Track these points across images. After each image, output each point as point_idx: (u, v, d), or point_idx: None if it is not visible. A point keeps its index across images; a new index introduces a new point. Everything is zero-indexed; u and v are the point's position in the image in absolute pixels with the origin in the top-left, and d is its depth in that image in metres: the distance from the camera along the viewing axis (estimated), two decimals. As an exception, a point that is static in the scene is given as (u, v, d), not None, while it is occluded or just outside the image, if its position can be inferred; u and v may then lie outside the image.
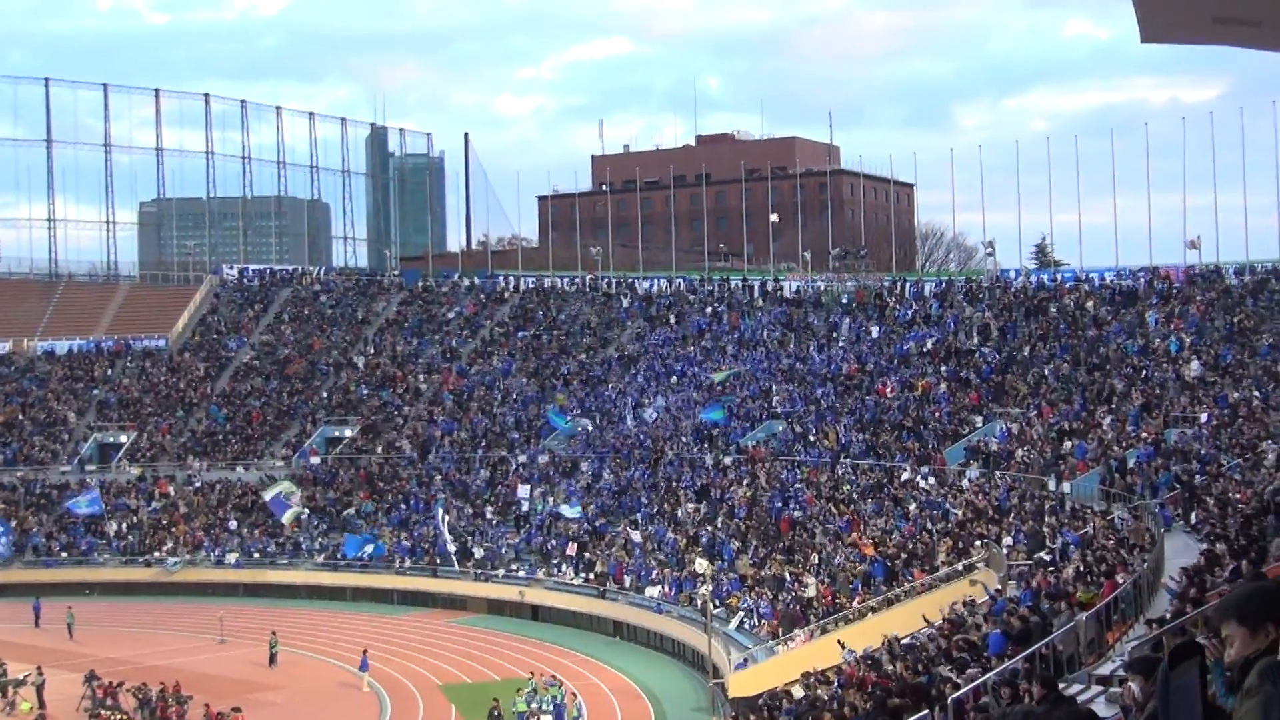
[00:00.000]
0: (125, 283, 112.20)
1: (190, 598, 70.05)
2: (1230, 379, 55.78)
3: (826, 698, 30.95)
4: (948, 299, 76.72)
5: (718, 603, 51.03)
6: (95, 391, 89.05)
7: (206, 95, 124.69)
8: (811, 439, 65.61)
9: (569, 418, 76.06)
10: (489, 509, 71.05)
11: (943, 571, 46.38)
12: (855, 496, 57.55)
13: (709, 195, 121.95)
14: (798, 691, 34.91)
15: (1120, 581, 28.98)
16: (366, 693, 50.21)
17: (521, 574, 65.29)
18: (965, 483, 54.92)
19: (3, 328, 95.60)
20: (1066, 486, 50.32)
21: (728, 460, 66.48)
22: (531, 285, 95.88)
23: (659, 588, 57.75)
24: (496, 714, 42.69)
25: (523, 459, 74.52)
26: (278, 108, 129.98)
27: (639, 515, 64.75)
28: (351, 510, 74.23)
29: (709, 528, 60.26)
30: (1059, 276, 76.91)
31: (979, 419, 61.66)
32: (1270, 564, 22.29)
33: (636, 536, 62.03)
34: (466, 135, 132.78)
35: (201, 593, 70.61)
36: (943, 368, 67.82)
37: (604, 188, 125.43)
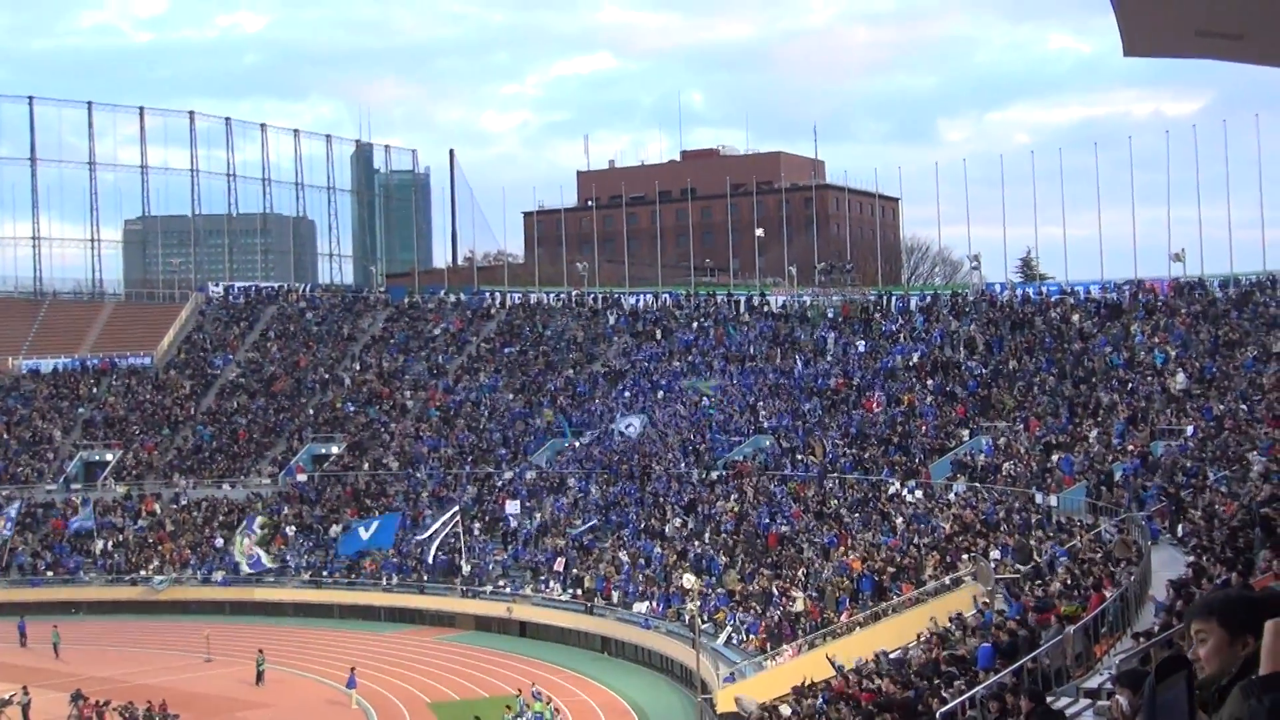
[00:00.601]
0: (110, 301, 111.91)
1: (177, 616, 69.84)
2: (1215, 391, 55.88)
3: (815, 714, 30.92)
4: (933, 313, 76.81)
5: (705, 618, 50.97)
6: (81, 410, 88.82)
7: (191, 113, 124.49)
8: (799, 454, 65.61)
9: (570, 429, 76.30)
10: (476, 525, 70.92)
11: (930, 585, 46.38)
12: (842, 511, 57.54)
13: (695, 210, 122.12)
14: (785, 710, 34.81)
15: (1107, 595, 29.01)
16: (354, 710, 50.10)
17: (507, 590, 65.17)
18: (952, 496, 54.95)
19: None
20: (1054, 500, 50.37)
21: (715, 475, 66.47)
22: (517, 301, 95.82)
23: (647, 603, 57.68)
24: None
25: (509, 475, 74.43)
26: (262, 125, 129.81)
27: (626, 531, 64.71)
28: (338, 527, 74.00)
29: (696, 543, 60.23)
30: (1044, 290, 77.03)
31: (965, 433, 61.72)
32: (1257, 576, 22.32)
33: (625, 558, 61.94)
34: (452, 151, 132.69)
35: (188, 611, 70.39)
36: (929, 382, 67.88)
37: (590, 203, 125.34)
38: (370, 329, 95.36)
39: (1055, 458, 54.17)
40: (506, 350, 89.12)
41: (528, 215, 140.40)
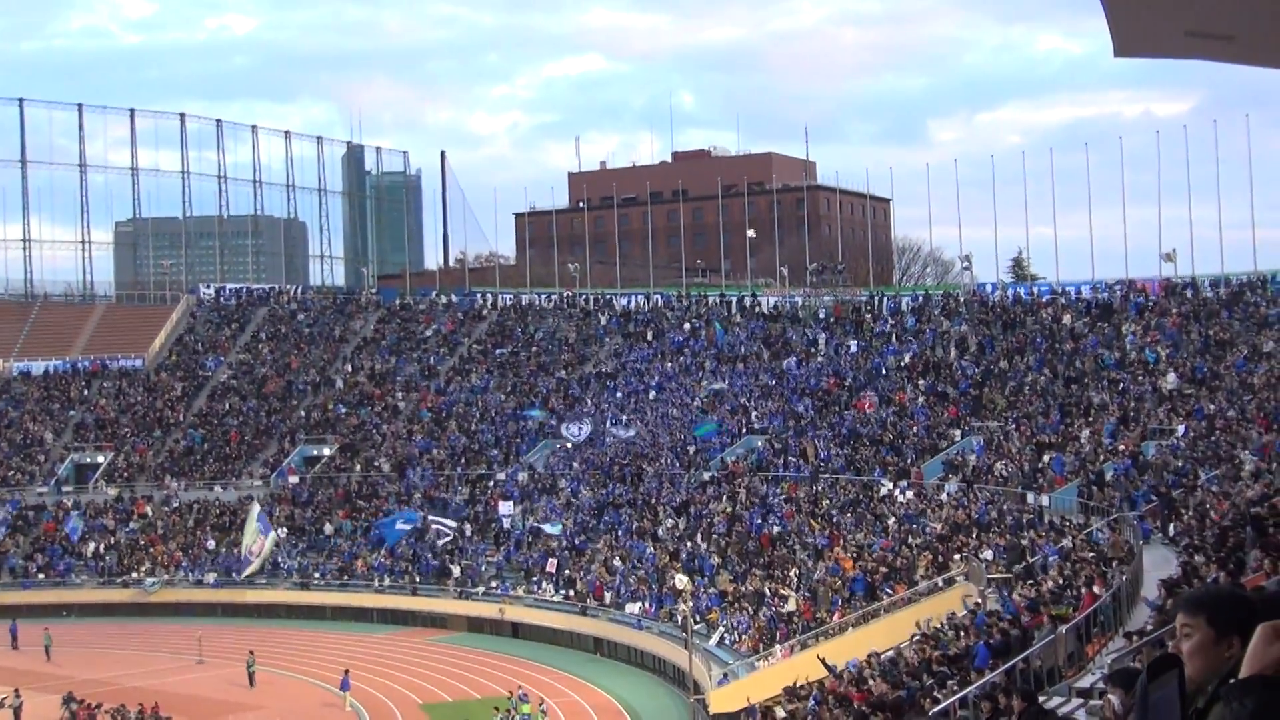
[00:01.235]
0: (101, 303, 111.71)
1: (168, 618, 69.74)
2: (1206, 391, 55.96)
3: (808, 715, 30.94)
4: (925, 313, 76.88)
5: (698, 619, 50.97)
6: (72, 412, 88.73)
7: (182, 115, 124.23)
8: (791, 455, 65.64)
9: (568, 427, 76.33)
10: (468, 526, 70.91)
11: (922, 586, 46.40)
12: (834, 511, 57.57)
13: (686, 211, 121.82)
14: (780, 712, 34.82)
15: (1099, 594, 29.05)
16: (348, 712, 50.06)
17: (498, 591, 65.15)
18: (944, 496, 55.00)
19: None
20: (1045, 500, 50.42)
21: (707, 476, 66.48)
22: (509, 302, 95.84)
23: (639, 604, 57.68)
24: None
25: (502, 476, 74.42)
26: (253, 127, 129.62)
27: (619, 532, 64.72)
28: (330, 529, 73.97)
29: (689, 544, 60.23)
30: (1035, 290, 77.16)
31: (957, 433, 61.77)
32: (1249, 575, 22.35)
33: (618, 561, 61.92)
34: (443, 153, 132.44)
35: (180, 613, 70.31)
36: (920, 382, 67.94)
37: (581, 205, 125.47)
38: (362, 330, 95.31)
39: (1047, 458, 54.24)
40: (498, 351, 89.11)
41: (519, 216, 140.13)
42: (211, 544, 74.35)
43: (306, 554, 72.72)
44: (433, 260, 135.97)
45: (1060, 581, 33.05)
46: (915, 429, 63.42)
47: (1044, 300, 73.35)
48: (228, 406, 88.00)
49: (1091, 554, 35.76)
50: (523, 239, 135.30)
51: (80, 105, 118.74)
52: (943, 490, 55.95)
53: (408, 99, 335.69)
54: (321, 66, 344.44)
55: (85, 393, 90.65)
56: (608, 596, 59.87)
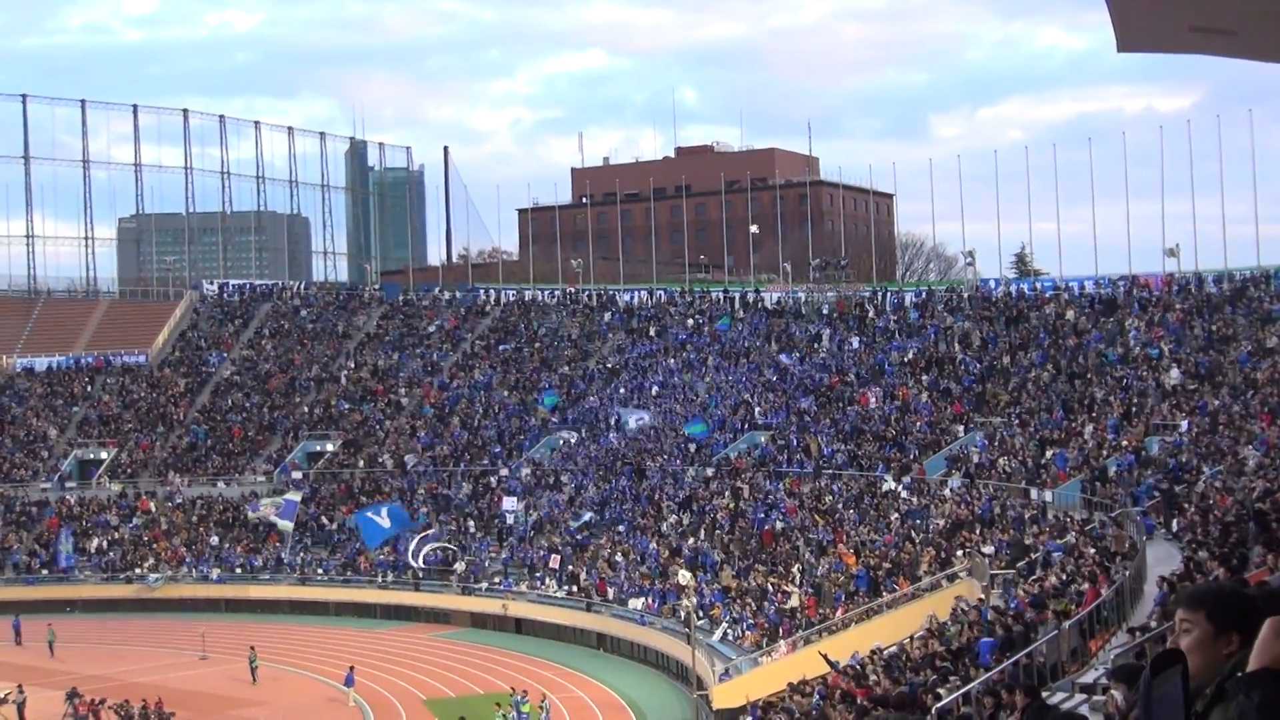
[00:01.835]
0: (105, 299, 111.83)
1: (172, 614, 69.82)
2: (1210, 386, 55.90)
3: (811, 710, 30.95)
4: (928, 309, 76.82)
5: (701, 614, 50.98)
6: (75, 408, 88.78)
7: (185, 111, 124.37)
8: (794, 451, 65.62)
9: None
10: (471, 522, 70.94)
11: (925, 581, 46.40)
12: (838, 507, 57.56)
13: (689, 207, 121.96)
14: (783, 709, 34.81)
15: (1102, 590, 29.04)
16: (351, 708, 50.07)
17: (501, 586, 65.16)
18: (947, 492, 54.97)
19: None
20: (1048, 495, 50.39)
21: (710, 472, 66.48)
22: (512, 298, 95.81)
23: (642, 600, 57.69)
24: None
25: (505, 472, 74.44)
26: (256, 123, 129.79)
27: (622, 528, 64.75)
28: (333, 525, 74.03)
29: (692, 539, 60.24)
30: (1039, 285, 77.05)
31: (960, 429, 61.73)
32: (1252, 570, 22.34)
33: (620, 558, 61.93)
34: (446, 149, 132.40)
35: (183, 609, 70.39)
36: (924, 378, 67.91)
37: (584, 200, 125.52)
38: (365, 326, 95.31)
39: (1050, 453, 54.19)
40: (501, 347, 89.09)
41: (522, 212, 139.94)
42: (215, 540, 74.41)
43: (310, 549, 72.76)
44: (436, 256, 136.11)
45: (1063, 577, 33.04)
46: (918, 425, 63.39)
47: (1047, 296, 73.25)
48: (231, 402, 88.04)
49: (1094, 549, 35.74)
50: (526, 235, 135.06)
51: (83, 101, 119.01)
52: (946, 486, 55.93)
53: (409, 94, 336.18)
54: (323, 62, 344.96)
55: (89, 389, 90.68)
56: (611, 592, 59.89)
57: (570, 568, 63.20)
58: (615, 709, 48.93)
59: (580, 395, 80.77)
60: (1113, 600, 28.22)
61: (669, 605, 55.32)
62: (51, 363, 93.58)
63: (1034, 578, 36.57)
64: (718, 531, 59.89)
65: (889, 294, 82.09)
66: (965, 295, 77.58)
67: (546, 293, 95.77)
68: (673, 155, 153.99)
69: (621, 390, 79.14)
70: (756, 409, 71.34)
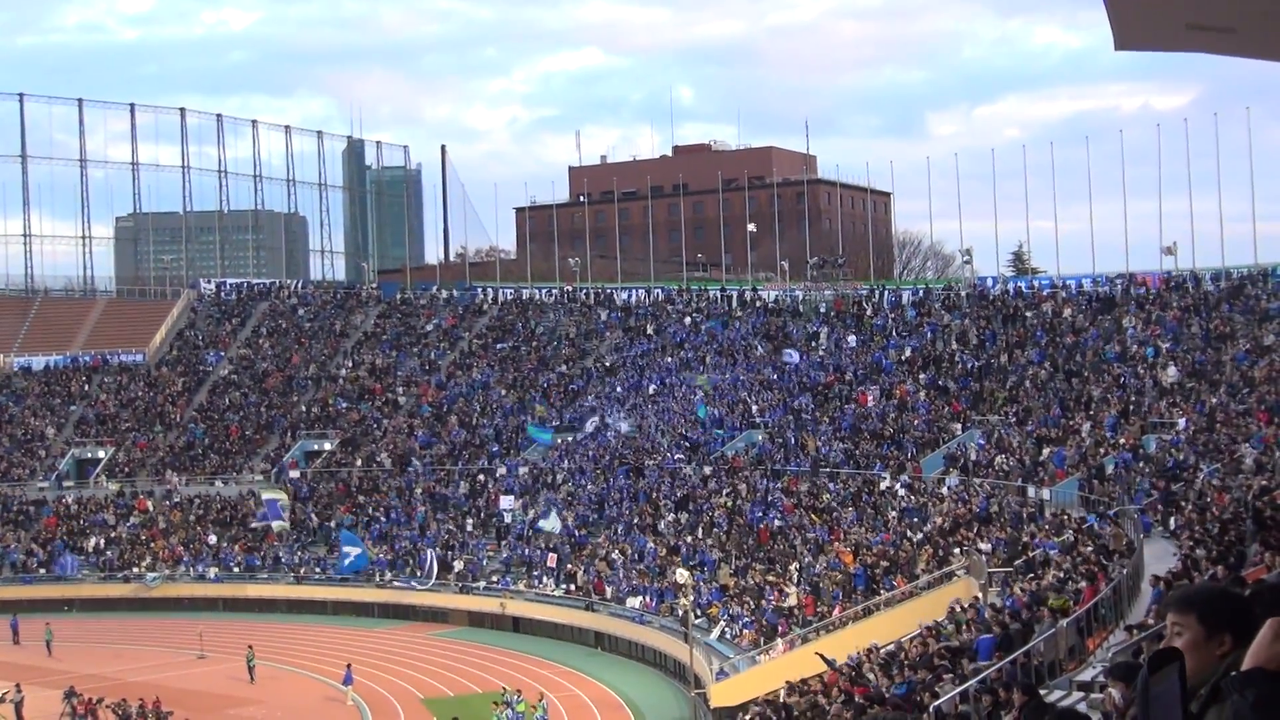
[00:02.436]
0: (102, 297, 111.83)
1: (169, 613, 69.80)
2: (1207, 384, 55.93)
3: (806, 709, 30.96)
4: (925, 307, 76.86)
5: (699, 613, 50.99)
6: (73, 407, 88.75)
7: (182, 110, 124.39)
8: (791, 449, 65.63)
9: (550, 430, 76.16)
10: (469, 521, 70.95)
11: (923, 579, 46.40)
12: (835, 506, 57.58)
13: (686, 205, 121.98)
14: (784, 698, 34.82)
15: (1100, 588, 29.04)
16: (349, 706, 50.06)
17: (499, 585, 65.13)
18: (944, 490, 54.99)
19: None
20: (1046, 493, 50.41)
21: (708, 470, 66.49)
22: (510, 297, 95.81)
23: (640, 598, 57.69)
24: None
25: (502, 471, 74.42)
26: (253, 122, 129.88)
27: (619, 527, 64.75)
28: (331, 524, 74.02)
29: (689, 538, 60.25)
30: (1036, 284, 77.11)
31: (958, 427, 61.76)
32: (1249, 568, 22.35)
33: (617, 556, 61.92)
34: (443, 148, 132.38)
35: (181, 608, 70.36)
36: (921, 376, 67.93)
37: (581, 199, 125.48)
38: (362, 325, 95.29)
39: (1047, 451, 54.22)
40: (499, 346, 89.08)
41: (519, 211, 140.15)
42: (213, 539, 74.38)
43: (308, 548, 72.75)
44: (433, 255, 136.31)
45: (1060, 575, 33.05)
46: (916, 423, 63.41)
47: (1044, 294, 73.29)
48: (228, 401, 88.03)
49: (1091, 547, 35.76)
50: (523, 233, 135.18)
51: (80, 100, 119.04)
52: (943, 484, 55.95)
53: (406, 93, 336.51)
54: (319, 61, 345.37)
55: (86, 388, 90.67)
56: (608, 591, 59.90)
57: (569, 566, 63.17)
58: (613, 707, 48.93)
59: (578, 393, 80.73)
60: (1110, 598, 28.22)
61: (667, 604, 55.32)
62: (49, 362, 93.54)
63: (1031, 576, 36.58)
64: (715, 530, 59.90)
65: (886, 292, 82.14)
66: (963, 293, 77.62)
67: (544, 291, 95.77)
68: (670, 154, 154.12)
69: (619, 389, 79.11)
70: (754, 407, 71.35)
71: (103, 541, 75.52)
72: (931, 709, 22.68)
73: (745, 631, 49.40)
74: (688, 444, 69.92)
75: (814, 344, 77.10)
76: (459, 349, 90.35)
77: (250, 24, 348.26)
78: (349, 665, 52.06)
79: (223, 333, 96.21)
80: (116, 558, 74.29)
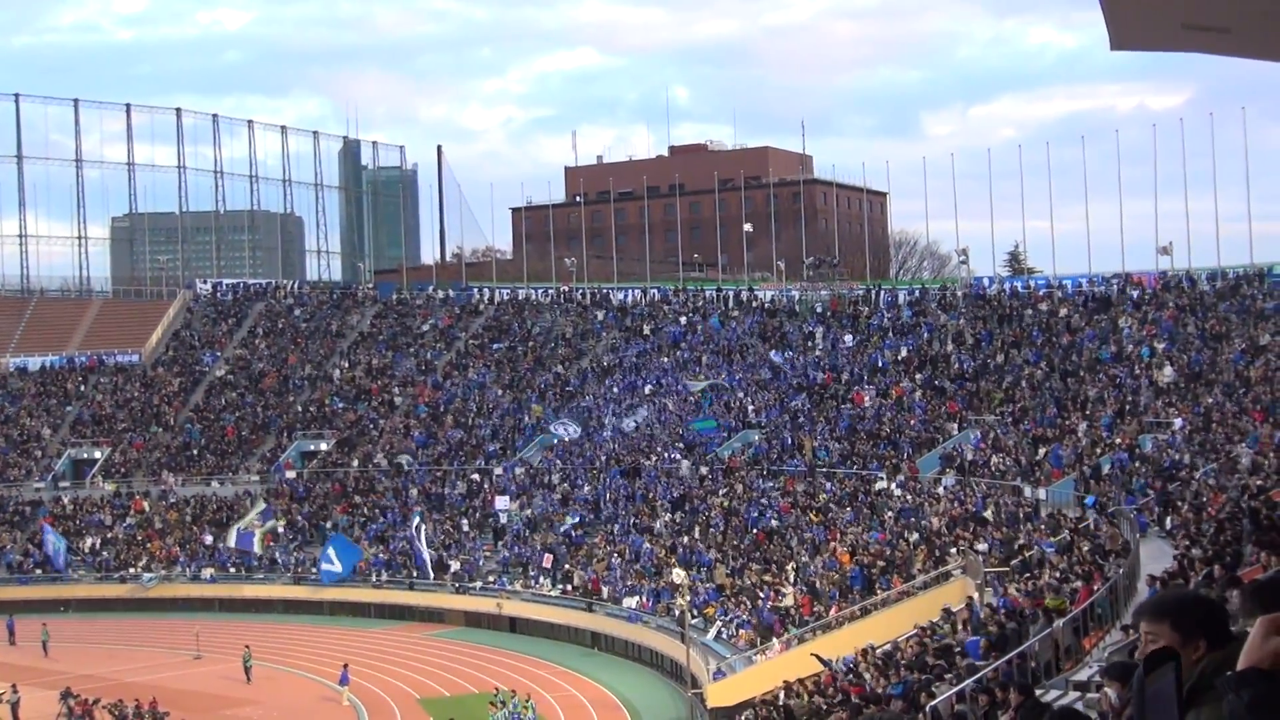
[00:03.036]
0: (98, 298, 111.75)
1: (166, 613, 69.72)
2: (1203, 384, 55.97)
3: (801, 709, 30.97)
4: (922, 307, 76.89)
5: (695, 613, 50.99)
6: (69, 408, 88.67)
7: (178, 110, 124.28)
8: (787, 449, 65.64)
9: (559, 426, 76.27)
10: (465, 521, 70.92)
11: (919, 579, 46.44)
12: (832, 506, 57.59)
13: (683, 205, 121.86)
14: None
15: (1096, 588, 29.06)
16: (345, 707, 50.04)
17: (495, 585, 65.10)
18: (941, 490, 55.03)
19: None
20: (1042, 493, 50.43)
21: (704, 470, 66.50)
22: (506, 297, 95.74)
23: (636, 598, 57.67)
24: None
25: (499, 471, 74.40)
26: (249, 121, 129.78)
27: (616, 526, 64.74)
28: (328, 524, 73.98)
29: (686, 538, 60.24)
30: (1032, 283, 77.13)
31: (954, 427, 61.78)
32: (1245, 568, 22.36)
33: (615, 559, 61.90)
34: (440, 148, 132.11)
35: (177, 608, 70.27)
36: (917, 376, 67.95)
37: (578, 199, 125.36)
38: (358, 325, 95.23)
39: (1043, 451, 54.24)
40: (495, 346, 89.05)
41: (515, 211, 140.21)
42: (209, 539, 74.33)
43: (304, 549, 72.71)
44: (429, 255, 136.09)
45: (1057, 575, 33.07)
46: (912, 423, 63.43)
47: (1040, 294, 73.33)
48: (224, 401, 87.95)
49: (1088, 547, 35.78)
50: (519, 233, 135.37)
51: (76, 100, 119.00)
52: (939, 484, 55.98)
53: (401, 93, 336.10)
54: (314, 61, 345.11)
55: (82, 388, 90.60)
56: (605, 591, 59.88)
57: (566, 566, 63.14)
58: (610, 708, 48.92)
59: (574, 394, 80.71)
60: (1106, 598, 28.24)
61: (663, 604, 55.32)
62: (45, 362, 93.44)
63: (1027, 575, 36.60)
64: (712, 530, 59.90)
65: (883, 292, 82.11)
66: (959, 293, 77.65)
67: (540, 291, 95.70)
68: (666, 154, 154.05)
69: (615, 389, 79.09)
70: (750, 407, 71.36)
71: (99, 542, 75.48)
72: (928, 709, 22.69)
73: (742, 631, 49.41)
74: (684, 444, 69.93)
75: (810, 344, 77.11)
76: (455, 349, 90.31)
77: (245, 24, 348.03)
78: (345, 665, 52.02)
79: (219, 333, 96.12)
80: (113, 558, 74.25)
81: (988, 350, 68.29)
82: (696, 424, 70.82)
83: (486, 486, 73.37)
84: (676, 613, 51.33)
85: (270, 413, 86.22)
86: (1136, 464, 48.92)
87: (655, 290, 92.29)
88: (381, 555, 69.68)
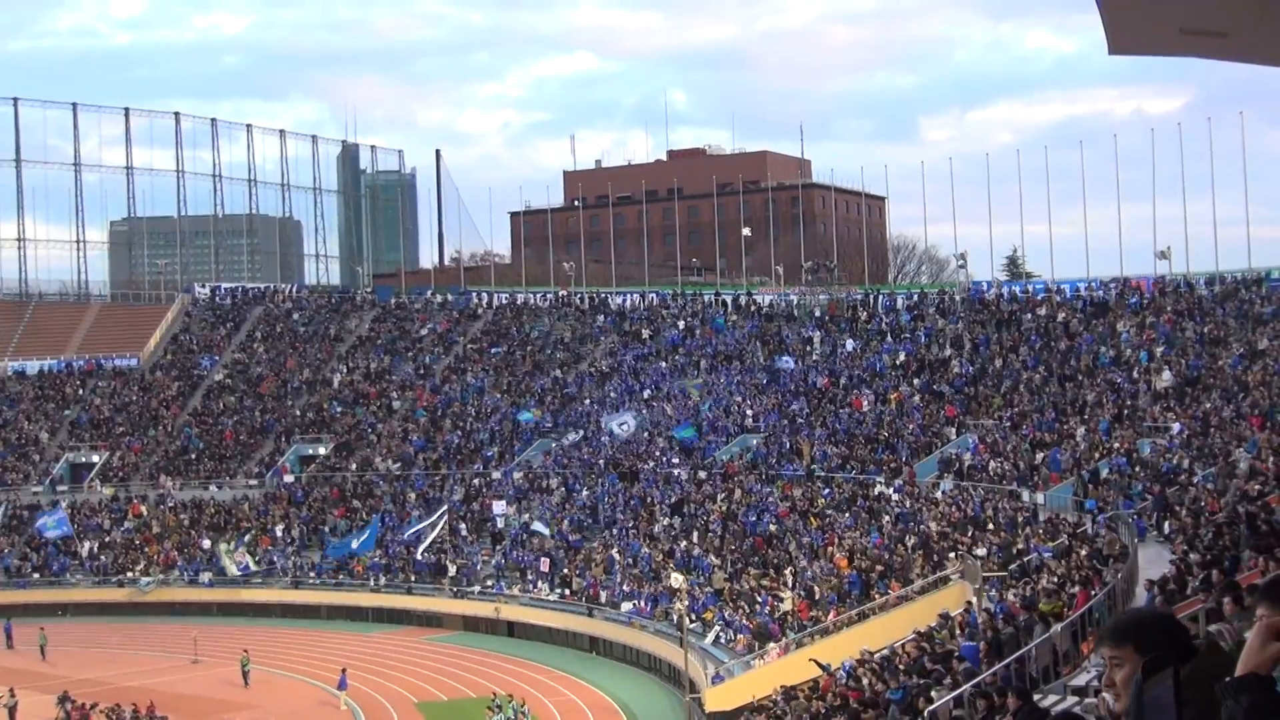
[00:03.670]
0: (96, 302, 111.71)
1: (164, 617, 69.64)
2: (1201, 389, 55.97)
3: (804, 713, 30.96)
4: (920, 311, 76.88)
5: (693, 617, 50.96)
6: (67, 411, 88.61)
7: (176, 114, 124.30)
8: (786, 454, 65.62)
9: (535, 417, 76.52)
10: (463, 526, 70.87)
11: (917, 584, 46.42)
12: (830, 510, 57.58)
13: (681, 210, 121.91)
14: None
15: (1094, 593, 29.06)
16: (343, 711, 50.02)
17: (494, 590, 65.07)
18: (939, 495, 55.01)
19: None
20: (1040, 498, 50.42)
21: (703, 475, 66.47)
22: (504, 301, 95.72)
23: (634, 603, 57.64)
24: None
25: (497, 475, 74.36)
26: (248, 125, 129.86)
27: (614, 531, 64.70)
28: (326, 529, 73.94)
29: (684, 542, 60.21)
30: (1030, 288, 77.12)
31: (952, 431, 61.79)
32: (1243, 573, 22.35)
33: (615, 555, 61.89)
34: (438, 152, 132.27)
35: (175, 612, 70.19)
36: (915, 380, 67.94)
37: (576, 203, 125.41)
38: (357, 330, 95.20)
39: (1041, 456, 54.23)
40: (494, 351, 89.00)
41: (514, 215, 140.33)
42: (206, 543, 74.25)
43: (302, 553, 72.66)
44: (428, 259, 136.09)
45: (1055, 580, 33.07)
46: (910, 427, 63.42)
47: (1039, 298, 73.33)
48: (223, 406, 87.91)
49: (1086, 551, 35.78)
50: (518, 237, 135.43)
51: (75, 104, 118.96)
52: (938, 488, 55.97)
53: (399, 97, 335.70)
54: (312, 65, 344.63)
55: (80, 392, 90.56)
56: (603, 595, 59.84)
57: (565, 571, 63.09)
58: (608, 712, 48.89)
59: (572, 398, 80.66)
60: (1104, 603, 28.23)
61: (661, 608, 55.30)
62: (43, 366, 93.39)
63: (1025, 580, 36.60)
64: (710, 535, 59.88)
65: (881, 296, 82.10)
66: (957, 298, 77.66)
67: (539, 296, 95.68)
68: (664, 158, 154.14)
69: (612, 394, 79.03)
70: (748, 412, 71.34)
71: (97, 546, 75.42)
72: (926, 714, 22.68)
73: (740, 636, 49.36)
74: (682, 448, 69.90)
75: (809, 348, 77.10)
76: (454, 353, 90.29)
77: (242, 28, 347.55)
78: (344, 670, 51.99)
79: (217, 337, 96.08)
80: (110, 562, 74.18)
81: (986, 355, 68.29)
82: (677, 432, 70.78)
83: (485, 491, 73.27)
84: (675, 617, 51.31)
85: (268, 417, 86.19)
86: (1135, 469, 48.91)
87: (654, 295, 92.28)
88: (379, 560, 69.62)
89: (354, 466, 79.65)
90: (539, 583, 63.69)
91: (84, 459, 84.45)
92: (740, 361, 78.11)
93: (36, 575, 73.93)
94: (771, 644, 46.63)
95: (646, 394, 77.53)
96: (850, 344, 75.32)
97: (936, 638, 32.19)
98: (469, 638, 63.38)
